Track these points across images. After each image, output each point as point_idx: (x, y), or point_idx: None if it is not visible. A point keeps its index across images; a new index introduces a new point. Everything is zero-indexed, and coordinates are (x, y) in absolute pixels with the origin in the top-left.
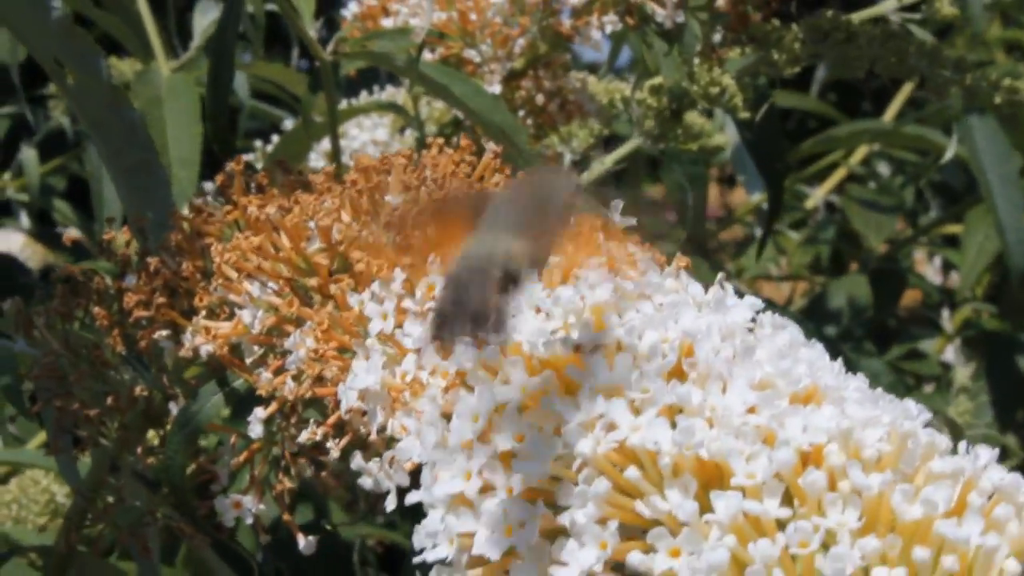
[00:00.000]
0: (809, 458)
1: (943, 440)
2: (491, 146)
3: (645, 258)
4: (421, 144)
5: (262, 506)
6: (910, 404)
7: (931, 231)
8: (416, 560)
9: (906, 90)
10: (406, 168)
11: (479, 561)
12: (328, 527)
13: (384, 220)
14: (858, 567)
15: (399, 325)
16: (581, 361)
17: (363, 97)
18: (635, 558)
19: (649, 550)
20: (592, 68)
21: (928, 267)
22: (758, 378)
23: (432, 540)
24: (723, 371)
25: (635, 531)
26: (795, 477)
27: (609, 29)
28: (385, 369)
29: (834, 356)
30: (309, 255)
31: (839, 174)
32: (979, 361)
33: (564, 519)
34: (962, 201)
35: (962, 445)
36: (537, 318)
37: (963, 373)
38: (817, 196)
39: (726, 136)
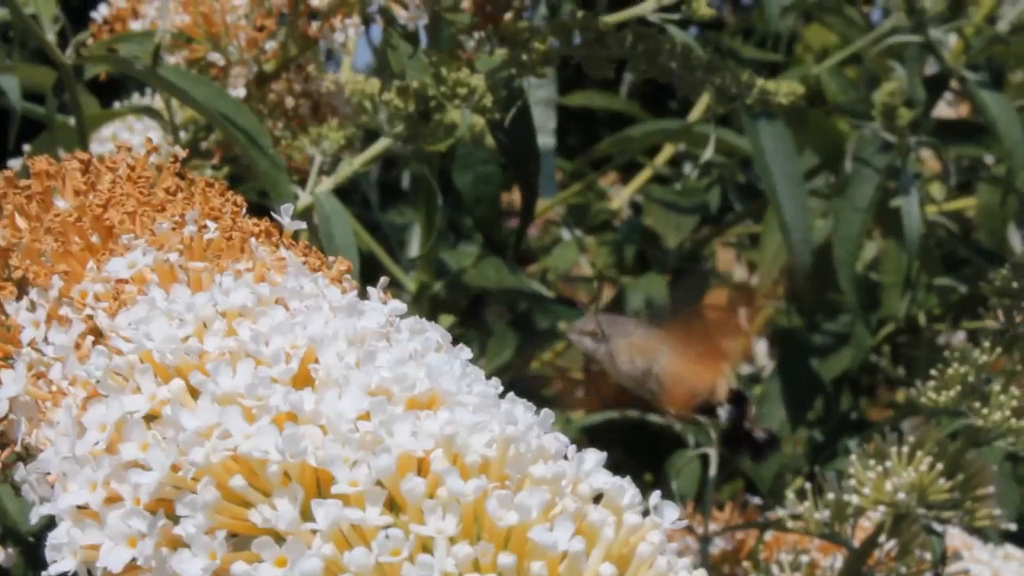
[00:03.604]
0: (420, 465)
1: (554, 445)
2: (176, 150)
3: (296, 263)
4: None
5: None
6: (519, 410)
7: (728, 230)
8: (44, 575)
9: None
10: (83, 172)
11: (106, 574)
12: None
13: (46, 225)
14: (449, 573)
15: None
16: (205, 369)
17: (135, 99)
18: (239, 568)
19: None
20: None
21: (737, 267)
22: (374, 384)
23: (58, 553)
24: (343, 377)
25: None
26: (397, 484)
27: (352, 32)
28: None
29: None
30: None
31: (644, 175)
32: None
33: (180, 530)
34: (762, 201)
35: (571, 450)
36: (170, 325)
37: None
38: (623, 196)
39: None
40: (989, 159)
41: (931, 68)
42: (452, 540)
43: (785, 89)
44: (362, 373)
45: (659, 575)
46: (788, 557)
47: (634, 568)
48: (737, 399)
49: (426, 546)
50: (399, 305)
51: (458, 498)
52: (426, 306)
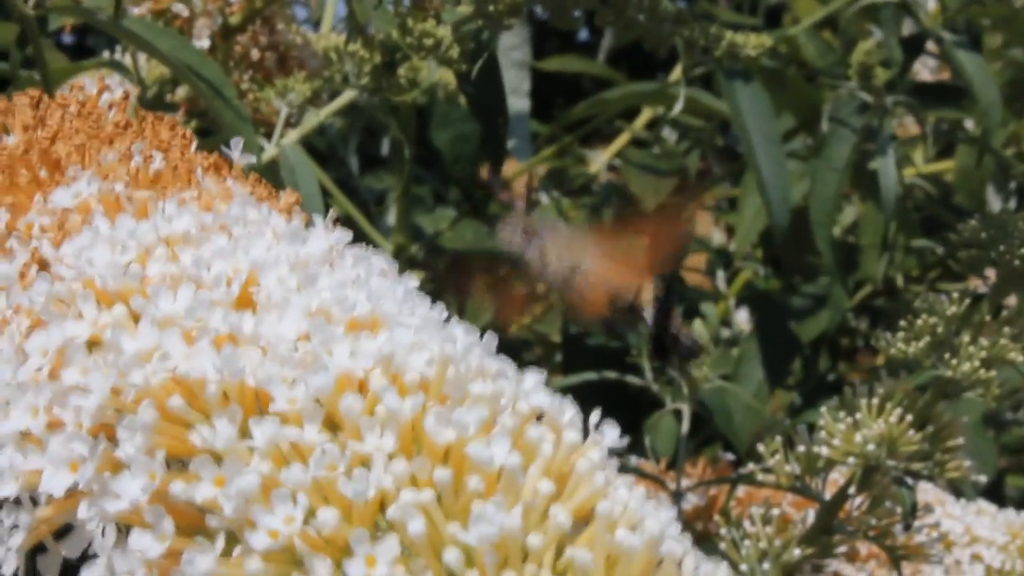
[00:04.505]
0: (360, 386)
1: (495, 365)
2: (128, 87)
3: (243, 192)
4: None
5: None
6: (458, 330)
7: (706, 193)
8: None
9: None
10: (34, 109)
11: (49, 499)
12: None
13: None
14: (386, 489)
15: None
16: (146, 293)
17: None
18: (177, 488)
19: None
20: None
21: (715, 230)
22: (314, 306)
23: (0, 478)
24: (283, 300)
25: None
26: (335, 402)
27: None
28: None
29: None
30: None
31: (623, 139)
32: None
33: (120, 452)
34: (740, 163)
35: (510, 370)
36: (113, 251)
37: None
38: (601, 160)
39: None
40: (970, 124)
41: (909, 29)
42: (390, 457)
43: (754, 42)
44: (303, 296)
45: (596, 491)
46: (760, 511)
47: (572, 485)
48: (663, 305)
49: (364, 463)
50: (344, 234)
51: (396, 416)
52: (403, 268)
